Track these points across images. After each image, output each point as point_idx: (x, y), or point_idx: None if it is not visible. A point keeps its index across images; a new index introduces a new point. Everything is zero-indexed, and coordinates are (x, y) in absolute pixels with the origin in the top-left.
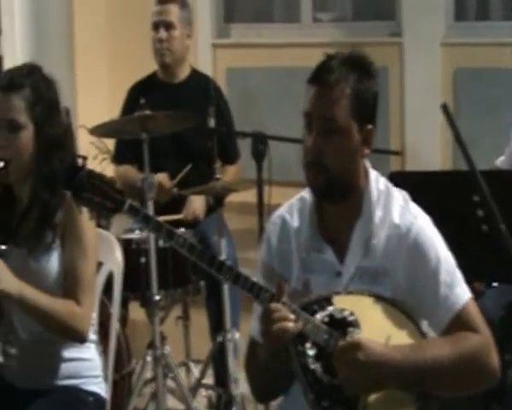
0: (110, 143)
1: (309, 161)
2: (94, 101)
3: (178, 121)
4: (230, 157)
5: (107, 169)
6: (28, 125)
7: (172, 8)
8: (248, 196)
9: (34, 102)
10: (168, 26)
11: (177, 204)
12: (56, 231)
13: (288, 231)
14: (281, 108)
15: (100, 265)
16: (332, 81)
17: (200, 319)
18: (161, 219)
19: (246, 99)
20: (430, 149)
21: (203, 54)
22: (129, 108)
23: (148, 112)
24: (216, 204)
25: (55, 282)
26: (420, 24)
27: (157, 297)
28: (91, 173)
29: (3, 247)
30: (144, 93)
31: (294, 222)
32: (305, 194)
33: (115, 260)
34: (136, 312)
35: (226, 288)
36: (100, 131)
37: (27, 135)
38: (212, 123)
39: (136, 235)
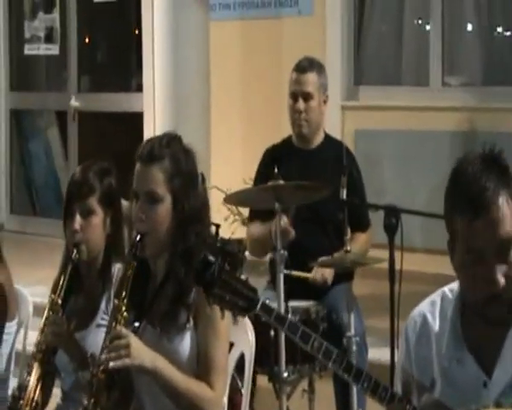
0: None
1: (496, 295)
2: (228, 161)
3: (311, 192)
4: (361, 225)
5: (238, 231)
6: (166, 198)
7: (311, 78)
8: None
9: (173, 175)
10: (306, 97)
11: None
12: (190, 312)
13: (428, 334)
14: (408, 171)
15: (231, 345)
16: (496, 216)
17: (325, 392)
18: (292, 273)
19: (373, 161)
20: None
21: (332, 115)
22: (263, 174)
23: (281, 182)
24: (345, 276)
25: (187, 363)
26: None
27: (285, 374)
28: (224, 269)
29: (137, 323)
30: (278, 159)
31: (436, 324)
32: (448, 292)
33: (247, 342)
34: (261, 380)
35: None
36: (234, 199)
37: (165, 208)
38: (344, 194)
39: None
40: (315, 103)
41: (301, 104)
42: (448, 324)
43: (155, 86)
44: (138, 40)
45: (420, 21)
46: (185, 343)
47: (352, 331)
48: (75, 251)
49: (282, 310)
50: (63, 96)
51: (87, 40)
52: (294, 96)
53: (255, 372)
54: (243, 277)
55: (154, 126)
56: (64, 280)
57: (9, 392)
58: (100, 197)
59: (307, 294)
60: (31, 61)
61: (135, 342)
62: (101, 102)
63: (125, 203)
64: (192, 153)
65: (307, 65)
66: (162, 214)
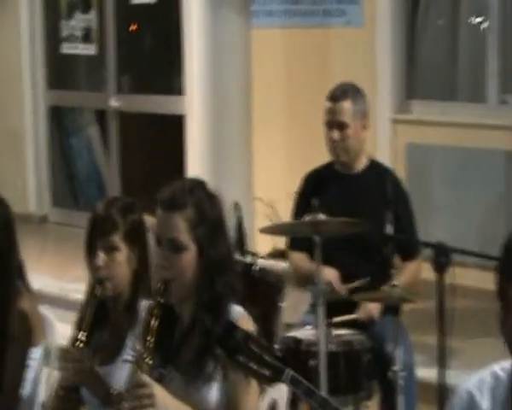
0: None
1: None
2: (271, 171)
3: (352, 226)
4: (410, 254)
5: (279, 243)
6: (190, 246)
7: (345, 106)
8: (424, 273)
9: (197, 223)
10: (341, 126)
11: (350, 302)
12: (218, 362)
13: None
14: (460, 189)
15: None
16: None
17: None
18: (335, 320)
19: (424, 176)
20: None
21: (382, 129)
22: (302, 204)
23: (320, 216)
24: (392, 309)
25: None
26: None
27: None
28: (249, 336)
29: (163, 370)
30: (319, 183)
31: (484, 402)
32: (499, 370)
33: (280, 389)
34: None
35: (402, 399)
36: (272, 230)
37: (189, 256)
38: (389, 229)
39: (307, 335)
40: (351, 131)
41: (336, 134)
42: (500, 402)
43: (196, 92)
44: (177, 43)
45: (476, 31)
46: (213, 393)
47: (399, 365)
48: (99, 287)
49: (324, 341)
50: (102, 96)
51: (125, 41)
52: (329, 126)
53: (297, 401)
54: (283, 304)
55: (195, 131)
56: (89, 317)
57: None
58: (124, 234)
59: (353, 323)
60: (69, 60)
61: (158, 392)
62: (140, 103)
63: (150, 219)
64: (217, 199)
65: (340, 93)
66: (186, 262)
